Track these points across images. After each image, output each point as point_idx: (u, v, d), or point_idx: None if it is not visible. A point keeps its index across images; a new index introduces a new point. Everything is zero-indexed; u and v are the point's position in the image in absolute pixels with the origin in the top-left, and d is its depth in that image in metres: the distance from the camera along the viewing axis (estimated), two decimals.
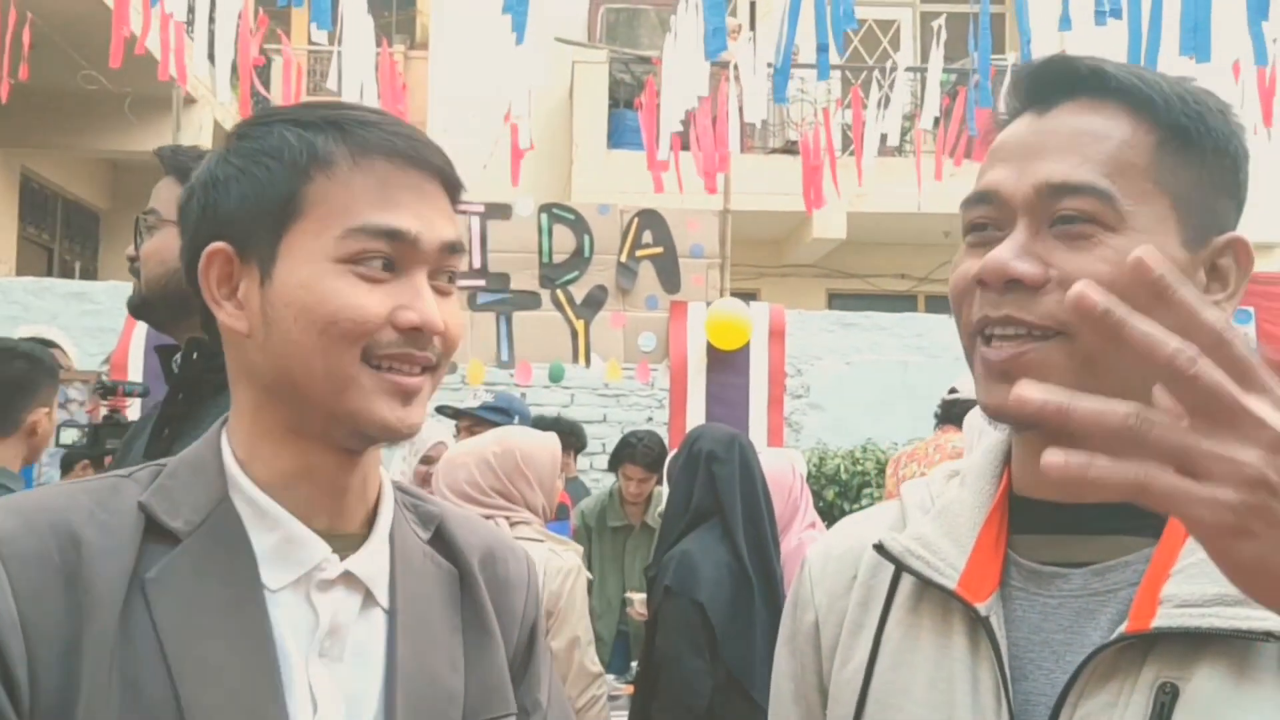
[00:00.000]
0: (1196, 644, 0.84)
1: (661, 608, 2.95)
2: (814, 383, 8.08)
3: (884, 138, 7.28)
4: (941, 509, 1.01)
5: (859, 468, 6.89)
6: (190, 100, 8.65)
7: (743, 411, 4.91)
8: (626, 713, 3.35)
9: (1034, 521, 0.96)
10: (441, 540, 1.09)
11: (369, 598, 1.00)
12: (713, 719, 2.88)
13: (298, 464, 0.99)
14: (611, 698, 3.33)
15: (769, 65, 5.32)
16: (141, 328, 4.91)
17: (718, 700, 2.88)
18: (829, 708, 1.03)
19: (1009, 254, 0.89)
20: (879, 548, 1.00)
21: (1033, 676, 0.90)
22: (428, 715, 0.99)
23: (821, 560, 1.10)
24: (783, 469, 3.44)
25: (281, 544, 0.97)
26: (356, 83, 5.43)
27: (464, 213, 4.90)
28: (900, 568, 0.98)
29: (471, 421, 4.40)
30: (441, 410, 4.85)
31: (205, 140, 10.68)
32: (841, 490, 6.70)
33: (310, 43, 6.80)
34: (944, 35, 6.87)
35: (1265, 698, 0.82)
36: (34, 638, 0.87)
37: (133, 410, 3.64)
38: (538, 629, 1.17)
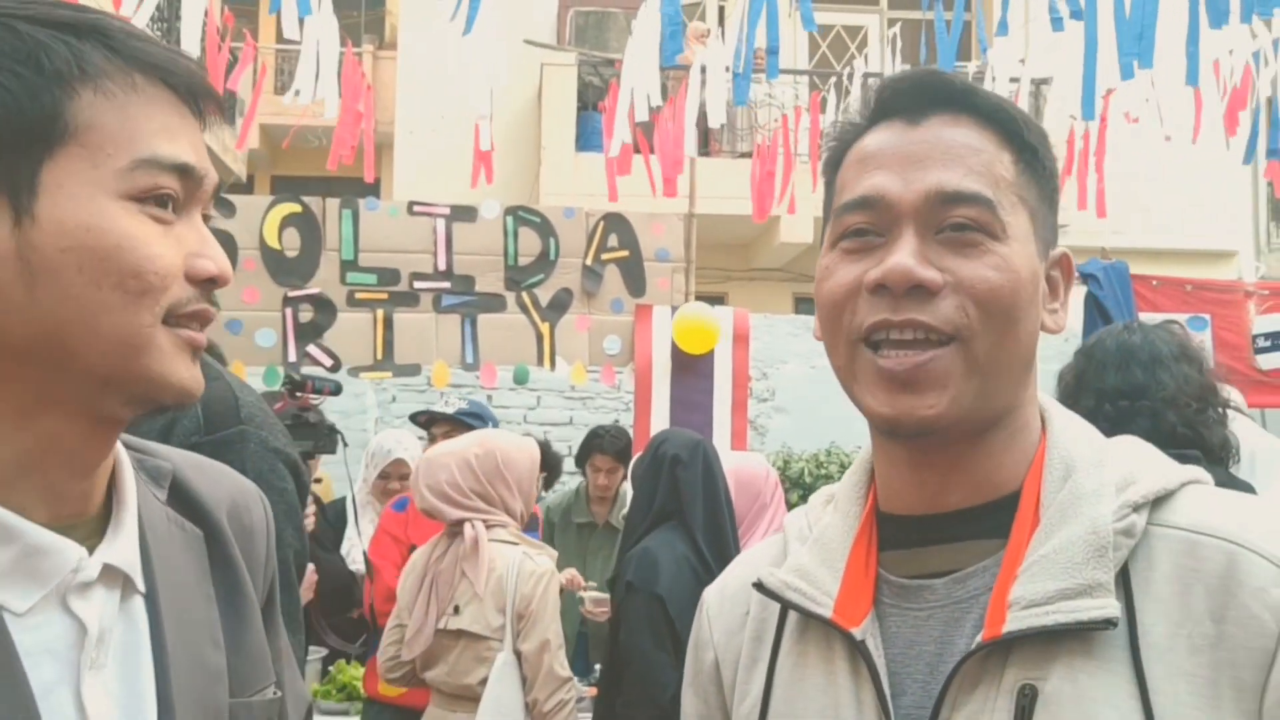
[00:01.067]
0: (1051, 641, 0.86)
1: (624, 603, 2.97)
2: (779, 386, 8.11)
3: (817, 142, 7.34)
4: (817, 536, 1.02)
5: (823, 471, 6.94)
6: None
7: (707, 415, 4.93)
8: (590, 715, 3.35)
9: (898, 537, 0.98)
10: (180, 498, 0.95)
11: (128, 585, 0.86)
12: (677, 712, 2.90)
13: (42, 445, 0.82)
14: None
15: (725, 69, 5.33)
16: None
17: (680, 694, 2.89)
18: None
19: (911, 259, 0.90)
20: (758, 585, 1.01)
21: (910, 690, 0.92)
22: (199, 701, 0.88)
23: (718, 599, 1.11)
24: (755, 473, 3.46)
25: (20, 558, 0.79)
26: (324, 82, 5.40)
27: (429, 215, 4.89)
28: (779, 603, 1.00)
29: (449, 426, 4.40)
30: (415, 417, 4.83)
31: None
32: (805, 494, 6.72)
33: (279, 41, 6.75)
34: (899, 43, 6.93)
35: (1118, 685, 0.84)
36: None
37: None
38: (276, 575, 1.06)
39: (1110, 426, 1.88)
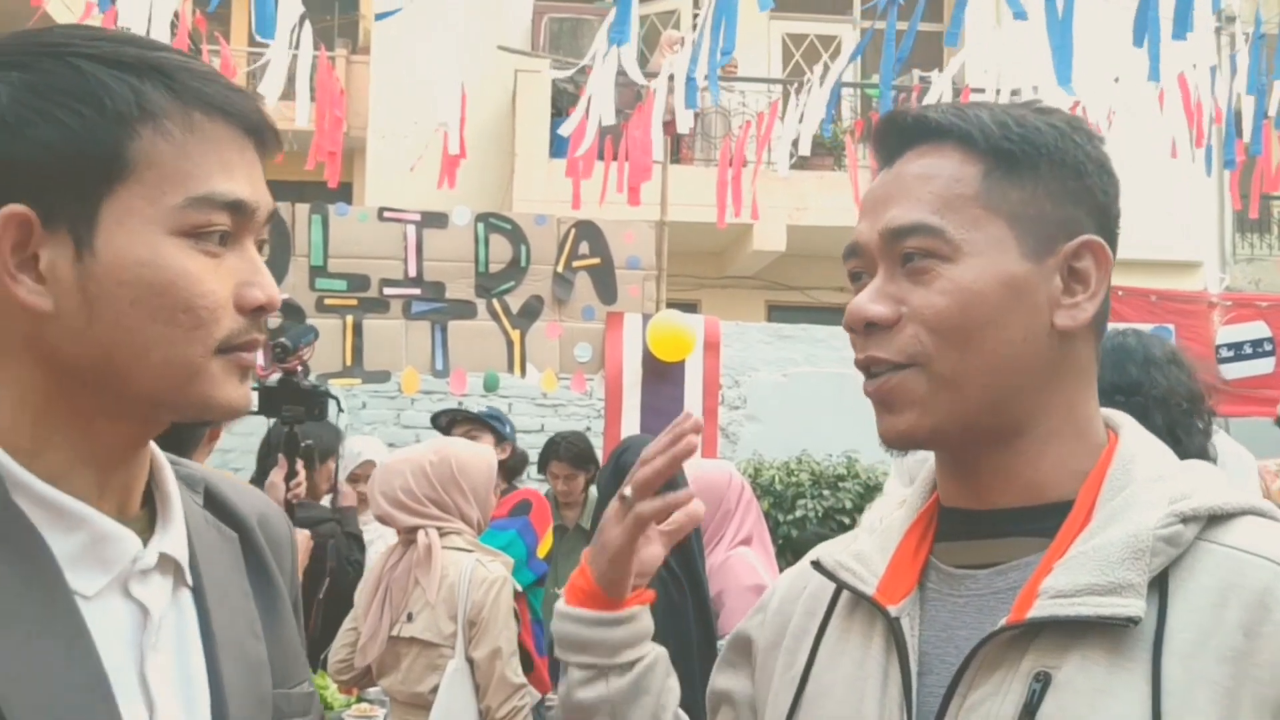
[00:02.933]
0: (1073, 633, 0.89)
1: None
2: (751, 394, 8.13)
3: (794, 148, 7.38)
4: (884, 527, 1.08)
5: (793, 479, 6.94)
6: None
7: None
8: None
9: (954, 529, 1.03)
10: (215, 503, 1.01)
11: (178, 576, 0.92)
12: None
13: (94, 446, 0.88)
14: (547, 706, 3.32)
15: (689, 78, 5.35)
16: None
17: None
18: (770, 704, 1.09)
19: (865, 299, 0.98)
20: (815, 563, 1.08)
21: (937, 670, 0.96)
22: (247, 688, 0.93)
23: (786, 576, 1.20)
24: (719, 480, 3.44)
25: (89, 545, 0.85)
26: (289, 84, 5.38)
27: (399, 221, 4.88)
28: (831, 580, 1.06)
29: (470, 426, 4.39)
30: (436, 418, 4.77)
31: None
32: (776, 501, 6.74)
33: (251, 44, 6.72)
34: (862, 53, 6.97)
35: (1132, 682, 0.86)
36: None
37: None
38: (299, 591, 1.12)
39: None
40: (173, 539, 0.92)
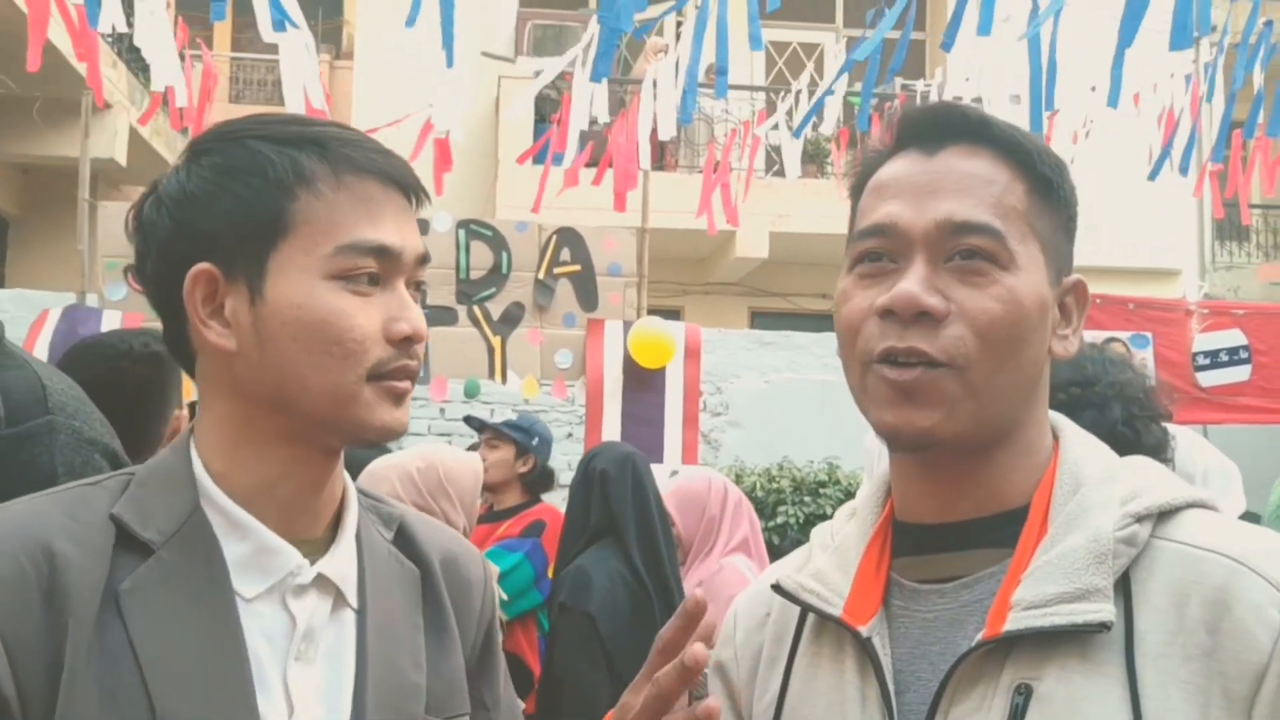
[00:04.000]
0: (1048, 643, 0.89)
1: (556, 623, 2.97)
2: (733, 400, 8.14)
3: (772, 156, 7.41)
4: (838, 544, 1.07)
5: (774, 485, 6.96)
6: (106, 105, 8.46)
7: (659, 429, 4.94)
8: None
9: (912, 543, 1.02)
10: (404, 540, 1.13)
11: (339, 599, 1.03)
12: None
13: (279, 470, 1.01)
14: None
15: (676, 85, 5.36)
16: (45, 336, 4.79)
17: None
18: None
19: (918, 287, 0.94)
20: (776, 587, 1.07)
21: (914, 688, 0.96)
22: (394, 711, 1.02)
23: (745, 599, 1.18)
24: (698, 488, 3.44)
25: (254, 553, 0.99)
26: (292, 92, 5.35)
27: None
28: (795, 603, 1.05)
29: (491, 435, 4.32)
30: (469, 420, 4.70)
31: (120, 145, 10.46)
32: (757, 508, 6.73)
33: (234, 50, 6.70)
34: (842, 59, 7.01)
35: (1110, 688, 0.87)
36: (17, 655, 0.89)
37: None
38: (493, 628, 1.20)
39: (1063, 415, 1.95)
40: (336, 563, 1.03)
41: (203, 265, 0.99)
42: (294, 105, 5.48)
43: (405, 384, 1.02)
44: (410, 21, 4.42)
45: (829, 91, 6.52)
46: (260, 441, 1.01)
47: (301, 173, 0.99)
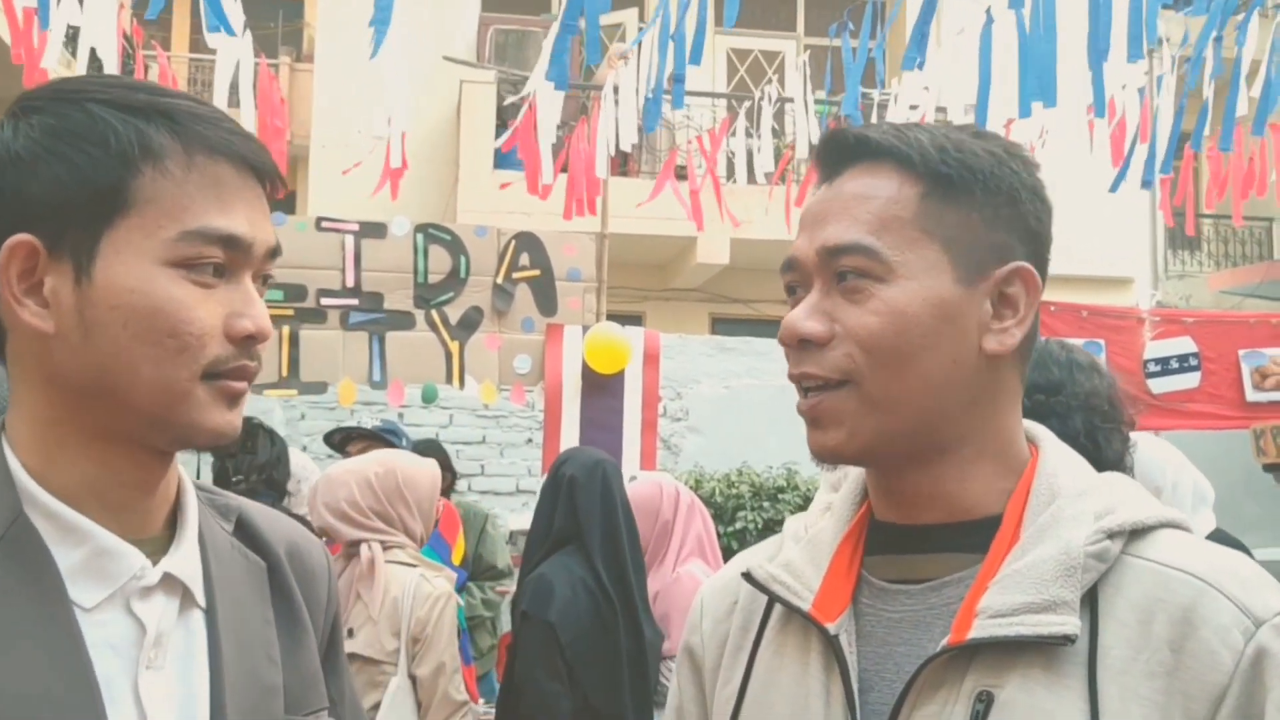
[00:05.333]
0: (1012, 652, 0.90)
1: (518, 631, 2.95)
2: (693, 406, 8.16)
3: (730, 163, 7.45)
4: (811, 537, 1.08)
5: (734, 491, 6.98)
6: None
7: (617, 435, 4.94)
8: None
9: (885, 543, 1.03)
10: (245, 532, 1.06)
11: (187, 598, 0.97)
12: None
13: (103, 468, 0.94)
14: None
15: (636, 92, 5.37)
16: None
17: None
18: None
19: (800, 315, 0.99)
20: (746, 575, 1.07)
21: (878, 688, 0.97)
22: (254, 713, 0.97)
23: (712, 587, 1.18)
24: (649, 494, 3.44)
25: (91, 558, 0.91)
26: (233, 93, 5.30)
27: (337, 231, 4.84)
28: (765, 593, 1.05)
29: (366, 444, 4.33)
30: (329, 437, 4.73)
31: None
32: (717, 513, 6.77)
33: (192, 51, 6.64)
34: (808, 69, 7.06)
35: (1071, 700, 0.87)
36: None
37: None
38: (339, 620, 1.16)
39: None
40: (180, 560, 0.97)
41: (22, 236, 0.89)
42: (226, 107, 5.43)
43: (242, 385, 0.95)
44: (382, 24, 4.39)
45: (784, 99, 6.55)
46: (81, 437, 0.93)
47: (148, 146, 0.91)
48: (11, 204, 0.90)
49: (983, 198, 0.98)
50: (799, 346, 0.98)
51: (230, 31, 4.58)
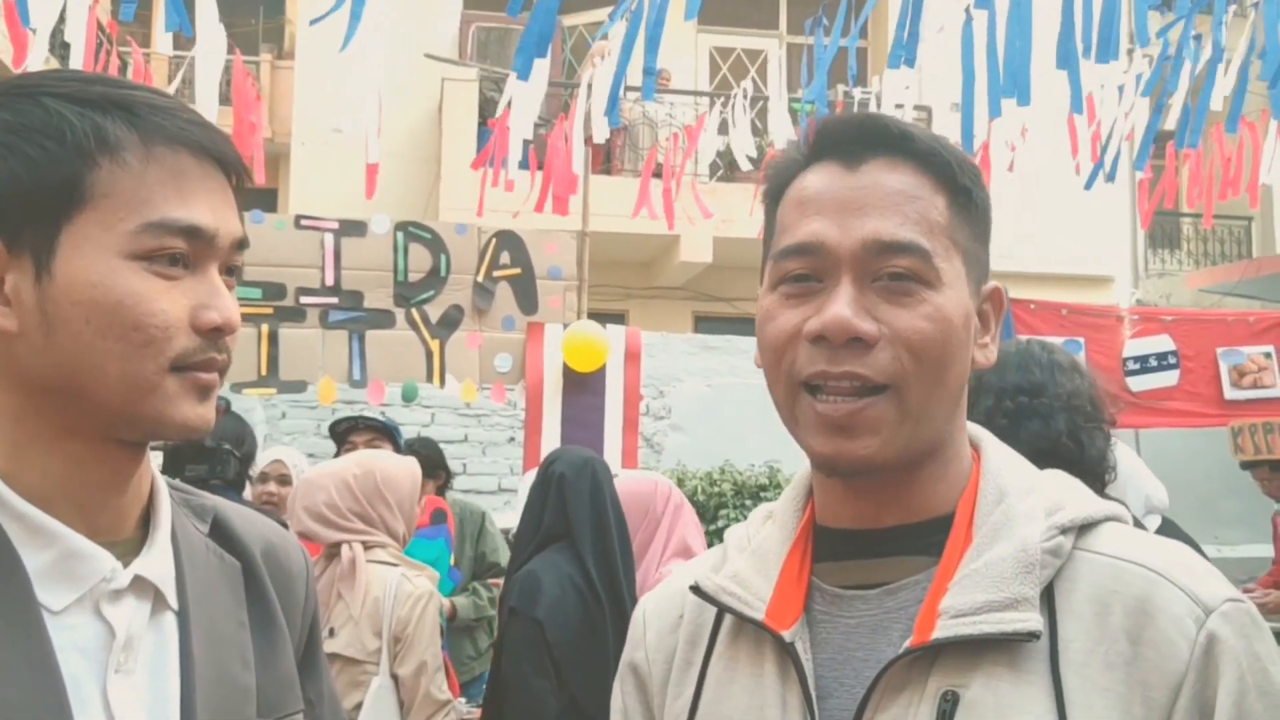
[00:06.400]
0: (975, 651, 0.90)
1: (505, 629, 2.93)
2: (675, 404, 8.16)
3: (717, 161, 7.45)
4: (755, 547, 1.06)
5: (716, 489, 6.99)
6: None
7: (598, 433, 4.93)
8: None
9: (834, 549, 1.02)
10: (220, 533, 1.05)
11: (159, 600, 0.95)
12: None
13: (73, 466, 0.92)
14: None
15: (611, 91, 5.36)
16: None
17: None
18: None
19: (848, 311, 0.92)
20: (694, 588, 1.05)
21: (837, 694, 0.96)
22: (225, 716, 0.95)
23: (654, 602, 1.15)
24: (639, 489, 3.43)
25: (59, 560, 0.90)
26: (210, 91, 5.27)
27: (317, 229, 4.81)
28: (715, 605, 1.04)
29: (373, 434, 4.32)
30: (335, 426, 4.69)
31: None
32: (699, 512, 6.75)
33: (174, 49, 6.59)
34: (783, 67, 7.07)
35: (1036, 696, 0.88)
36: None
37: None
38: (317, 619, 1.15)
39: (1008, 423, 1.92)
40: (152, 563, 0.95)
41: None
42: (203, 107, 5.40)
43: (212, 376, 0.94)
44: (355, 18, 4.37)
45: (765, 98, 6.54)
46: (49, 435, 0.91)
47: (105, 139, 0.89)
48: None
49: (980, 215, 1.00)
50: (845, 345, 0.92)
51: (189, 32, 4.54)
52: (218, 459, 3.70)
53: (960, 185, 0.97)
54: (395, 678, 2.98)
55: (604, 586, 2.98)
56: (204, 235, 0.92)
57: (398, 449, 4.31)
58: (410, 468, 3.30)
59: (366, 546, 3.07)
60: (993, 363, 1.01)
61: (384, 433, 4.37)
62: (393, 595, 2.99)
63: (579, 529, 3.01)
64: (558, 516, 3.05)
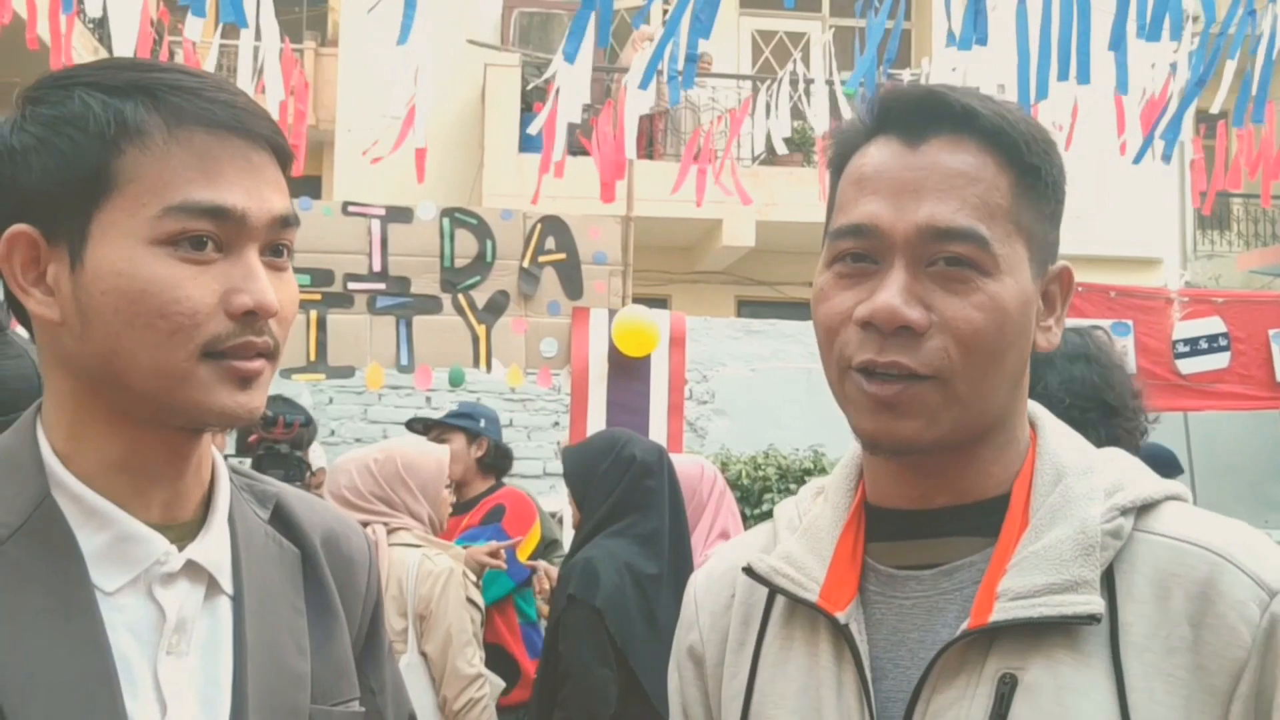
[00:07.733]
0: (1034, 633, 0.89)
1: (564, 615, 2.94)
2: (719, 389, 8.16)
3: (750, 143, 7.39)
4: (806, 526, 1.05)
5: (760, 473, 6.98)
6: None
7: (644, 418, 4.94)
8: None
9: (887, 529, 1.01)
10: (281, 519, 1.05)
11: (213, 585, 0.96)
12: None
13: (128, 450, 0.92)
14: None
15: (659, 72, 5.36)
16: None
17: (619, 709, 2.88)
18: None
19: (899, 299, 0.91)
20: (748, 570, 1.04)
21: (892, 675, 0.95)
22: (278, 701, 0.96)
23: (705, 582, 1.14)
24: (689, 472, 3.44)
25: (114, 543, 0.91)
26: (274, 83, 5.33)
27: (364, 215, 4.86)
28: (768, 587, 1.03)
29: (440, 430, 4.34)
30: (411, 424, 4.75)
31: None
32: (743, 495, 6.78)
33: (223, 38, 6.66)
34: (833, 50, 7.02)
35: (1096, 680, 0.87)
36: None
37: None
38: (379, 607, 1.14)
39: None
40: (207, 548, 0.96)
41: (20, 227, 0.89)
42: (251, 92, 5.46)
43: (254, 364, 0.91)
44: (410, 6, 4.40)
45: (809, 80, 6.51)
46: (105, 419, 0.92)
47: (126, 124, 0.88)
48: (10, 197, 0.90)
49: (1050, 194, 0.96)
50: (893, 333, 0.91)
51: (243, 24, 4.60)
52: (291, 464, 3.80)
53: (1028, 164, 0.94)
54: (424, 655, 3.03)
55: (672, 575, 2.97)
56: (231, 216, 0.89)
57: (474, 438, 4.31)
58: (436, 454, 3.36)
59: (389, 529, 3.13)
60: (1055, 345, 0.98)
61: (454, 429, 4.34)
62: (414, 575, 3.05)
63: (658, 522, 3.00)
64: (627, 503, 3.02)
